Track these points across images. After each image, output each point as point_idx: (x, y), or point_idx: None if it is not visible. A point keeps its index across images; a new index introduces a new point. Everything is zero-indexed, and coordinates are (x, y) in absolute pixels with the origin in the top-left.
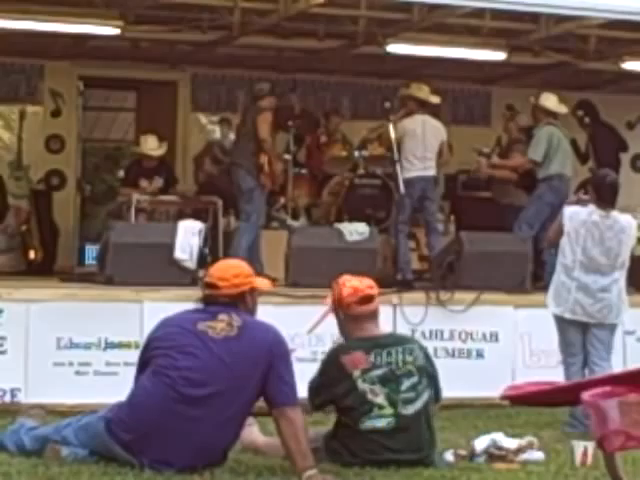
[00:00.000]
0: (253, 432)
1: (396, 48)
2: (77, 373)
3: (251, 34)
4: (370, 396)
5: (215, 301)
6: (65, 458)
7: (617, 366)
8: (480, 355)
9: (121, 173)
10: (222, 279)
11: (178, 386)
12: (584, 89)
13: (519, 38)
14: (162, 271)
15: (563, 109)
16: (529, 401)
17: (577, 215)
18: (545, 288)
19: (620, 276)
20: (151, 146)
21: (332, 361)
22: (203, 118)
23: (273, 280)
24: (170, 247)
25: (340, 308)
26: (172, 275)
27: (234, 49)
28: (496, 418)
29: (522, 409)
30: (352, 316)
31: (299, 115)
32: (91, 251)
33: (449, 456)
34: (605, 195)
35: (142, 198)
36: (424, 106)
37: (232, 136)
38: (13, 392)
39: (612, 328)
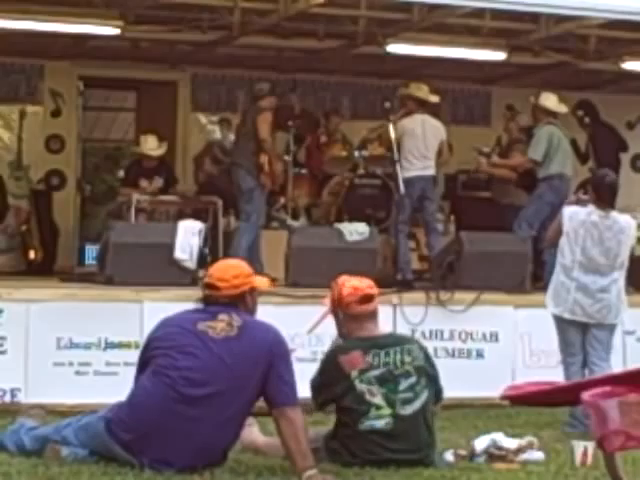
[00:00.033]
0: (253, 432)
1: (396, 48)
2: (77, 373)
3: (251, 34)
4: (368, 396)
5: (215, 301)
6: (65, 458)
7: (617, 366)
8: (480, 355)
9: (121, 173)
10: (222, 280)
11: (178, 386)
12: (584, 89)
13: (519, 38)
14: (162, 271)
15: (563, 109)
16: (529, 401)
17: (576, 215)
18: (545, 288)
19: (619, 276)
20: (151, 146)
21: (331, 361)
22: (203, 118)
23: (273, 280)
24: (170, 247)
25: (340, 308)
26: (172, 275)
27: (234, 49)
28: (496, 418)
29: (522, 409)
30: (352, 316)
31: (299, 115)
32: (91, 251)
33: (449, 456)
34: (604, 195)
35: (142, 198)
36: (423, 105)
37: (232, 136)
38: (13, 392)
39: (611, 328)
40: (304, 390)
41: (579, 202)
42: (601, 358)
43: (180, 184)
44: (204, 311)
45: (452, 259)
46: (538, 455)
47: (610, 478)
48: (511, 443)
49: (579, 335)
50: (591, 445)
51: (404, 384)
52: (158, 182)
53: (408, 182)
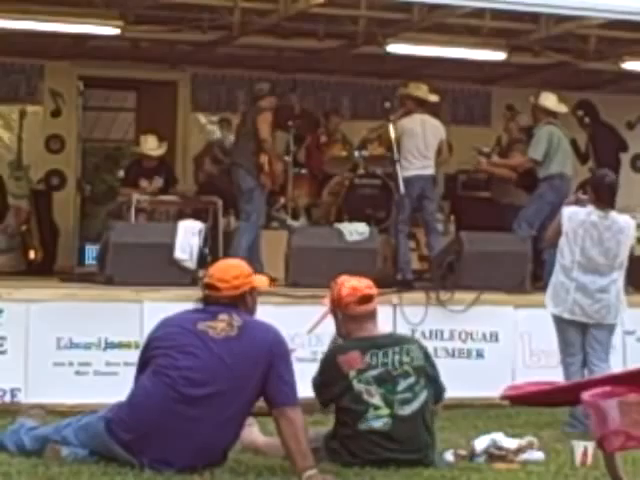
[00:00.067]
0: (253, 432)
1: (396, 48)
2: (77, 373)
3: (251, 34)
4: (366, 397)
5: (215, 302)
6: (65, 458)
7: (617, 366)
8: (480, 355)
9: (121, 173)
10: (222, 280)
11: (178, 386)
12: (584, 89)
13: (519, 38)
14: (162, 271)
15: (563, 108)
16: (529, 401)
17: (575, 215)
18: (545, 288)
19: (618, 276)
20: (151, 146)
21: (329, 361)
22: (203, 118)
23: (272, 279)
24: (170, 247)
25: (339, 308)
26: (172, 275)
27: (234, 49)
28: (496, 418)
29: (522, 409)
30: (351, 316)
31: (299, 115)
32: (91, 251)
33: (449, 456)
34: (603, 195)
35: (142, 198)
36: (423, 105)
37: (232, 136)
38: (13, 392)
39: (610, 328)
40: (304, 390)
41: (578, 202)
42: (600, 359)
43: (180, 184)
44: (204, 311)
45: (452, 259)
46: (538, 455)
47: (610, 478)
48: (511, 443)
49: (578, 335)
50: (591, 445)
51: (403, 384)
52: (158, 182)
53: (407, 181)
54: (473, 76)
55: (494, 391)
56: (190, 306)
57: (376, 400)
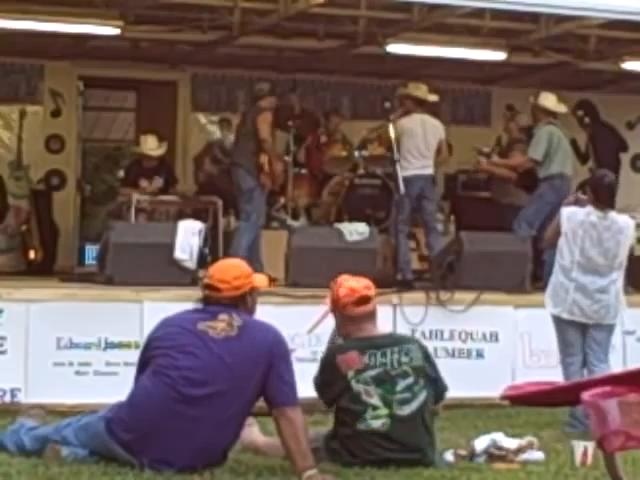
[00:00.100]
0: (253, 432)
1: (396, 48)
2: (77, 373)
3: (251, 34)
4: (364, 397)
5: (216, 302)
6: (65, 458)
7: (617, 366)
8: (480, 355)
9: (121, 173)
10: (223, 281)
11: (178, 386)
12: (584, 89)
13: (519, 38)
14: (162, 271)
15: (562, 108)
16: (529, 401)
17: (575, 216)
18: (544, 288)
19: (618, 277)
20: (151, 146)
21: (329, 361)
22: (203, 118)
23: (273, 279)
24: (170, 247)
25: (337, 309)
26: (172, 275)
27: (234, 49)
28: (496, 418)
29: (522, 409)
30: (349, 317)
31: (299, 115)
32: (91, 251)
33: (449, 456)
34: (603, 196)
35: (142, 198)
36: (422, 105)
37: (232, 136)
38: (13, 392)
39: (610, 329)
40: (304, 390)
41: (577, 202)
42: (600, 360)
43: (180, 184)
44: (204, 311)
45: (452, 259)
46: (538, 455)
47: (610, 478)
48: (511, 443)
49: (578, 335)
50: (591, 445)
51: (401, 384)
52: (158, 182)
53: (407, 181)
54: (473, 76)
55: (494, 391)
56: (190, 306)
57: (375, 400)
